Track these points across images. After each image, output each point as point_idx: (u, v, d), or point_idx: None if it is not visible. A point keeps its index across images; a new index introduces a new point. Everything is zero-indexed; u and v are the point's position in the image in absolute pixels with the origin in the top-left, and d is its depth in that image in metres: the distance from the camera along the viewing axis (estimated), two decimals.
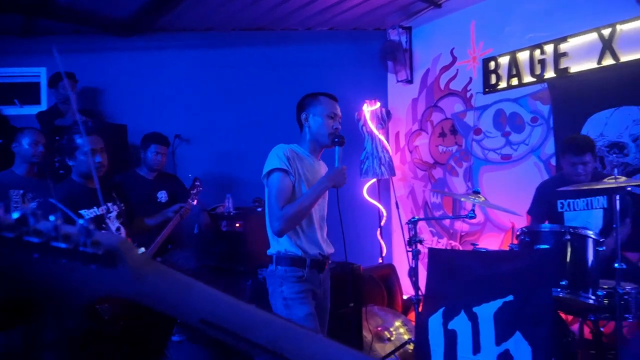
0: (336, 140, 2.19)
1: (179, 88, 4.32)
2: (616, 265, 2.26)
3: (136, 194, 3.29)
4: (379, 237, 4.75)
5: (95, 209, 2.49)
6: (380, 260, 4.65)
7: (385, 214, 4.77)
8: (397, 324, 3.65)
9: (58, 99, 3.78)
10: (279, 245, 2.16)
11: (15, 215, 0.47)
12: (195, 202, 3.28)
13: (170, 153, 3.95)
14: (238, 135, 4.42)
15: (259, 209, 4.11)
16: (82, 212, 2.44)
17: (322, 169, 2.31)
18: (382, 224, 4.76)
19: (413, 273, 3.38)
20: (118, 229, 2.66)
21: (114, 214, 2.58)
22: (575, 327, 3.05)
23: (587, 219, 3.00)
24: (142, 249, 2.90)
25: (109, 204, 2.56)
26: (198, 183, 3.35)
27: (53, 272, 0.48)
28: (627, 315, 2.42)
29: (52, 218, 0.47)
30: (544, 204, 3.17)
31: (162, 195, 3.50)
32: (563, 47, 3.66)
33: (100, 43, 4.18)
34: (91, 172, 2.33)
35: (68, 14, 3.79)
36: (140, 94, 4.19)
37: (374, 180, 4.69)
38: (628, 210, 2.84)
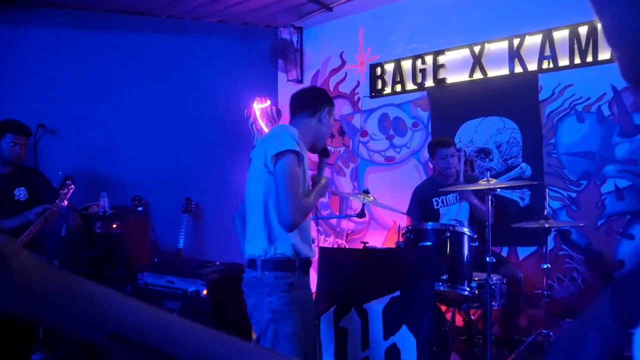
0: (324, 149, 2.10)
1: (43, 71, 3.81)
2: (487, 259, 2.52)
3: None
4: None
5: None
6: None
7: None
8: None
9: None
10: (269, 245, 1.82)
11: None
12: (65, 203, 2.91)
13: (31, 145, 3.47)
14: (114, 127, 4.05)
15: (140, 208, 3.82)
16: None
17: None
18: None
19: None
20: None
21: None
22: (447, 315, 3.34)
23: (457, 211, 3.34)
24: None
25: None
26: (69, 182, 2.97)
27: None
28: (492, 303, 2.71)
29: None
30: (421, 204, 3.44)
31: (21, 193, 3.05)
32: (441, 59, 4.00)
33: None
34: None
35: None
36: None
37: None
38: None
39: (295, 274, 1.85)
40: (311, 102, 2.04)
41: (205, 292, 2.87)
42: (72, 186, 2.98)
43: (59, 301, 0.40)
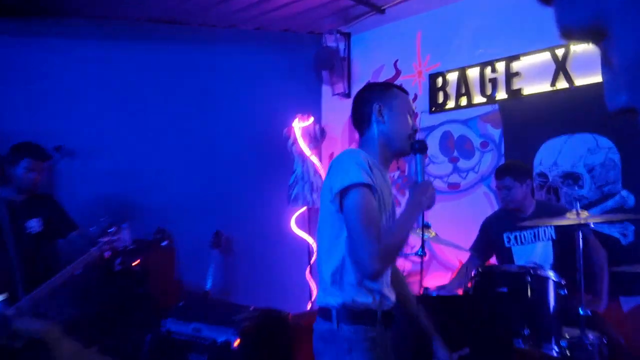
0: (416, 146, 1.91)
1: (62, 87, 3.98)
2: (581, 311, 2.34)
3: None
4: (308, 277, 4.65)
5: None
6: (310, 306, 4.54)
7: (315, 249, 4.69)
8: None
9: None
10: (343, 293, 1.78)
11: None
12: (106, 255, 2.99)
13: (46, 167, 3.60)
14: (138, 149, 4.15)
15: (164, 243, 3.86)
16: None
17: (390, 185, 2.02)
18: (312, 261, 4.67)
19: None
20: None
21: None
22: None
23: (534, 251, 3.12)
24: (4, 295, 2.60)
25: None
26: (114, 230, 3.05)
27: None
28: None
29: None
30: (490, 241, 3.28)
31: (33, 225, 3.15)
32: (515, 66, 3.87)
33: None
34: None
35: None
36: (5, 91, 3.79)
37: (304, 208, 4.62)
38: (591, 251, 2.98)
39: (377, 327, 1.79)
40: (359, 110, 1.97)
41: (236, 342, 2.83)
42: (118, 237, 3.03)
43: None
